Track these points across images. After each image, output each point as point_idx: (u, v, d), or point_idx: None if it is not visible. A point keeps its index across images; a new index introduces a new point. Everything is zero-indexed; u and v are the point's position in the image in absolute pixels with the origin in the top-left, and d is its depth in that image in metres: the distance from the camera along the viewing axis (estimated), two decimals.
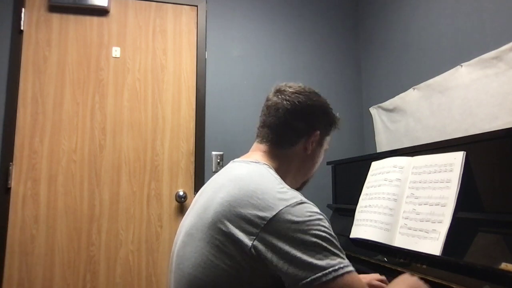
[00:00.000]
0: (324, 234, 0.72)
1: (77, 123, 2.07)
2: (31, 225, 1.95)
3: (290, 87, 0.95)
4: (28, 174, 1.98)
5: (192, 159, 2.20)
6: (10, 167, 1.95)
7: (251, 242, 0.72)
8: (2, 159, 1.94)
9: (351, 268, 0.72)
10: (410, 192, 1.23)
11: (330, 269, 0.69)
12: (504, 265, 0.87)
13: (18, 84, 2.01)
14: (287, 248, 0.70)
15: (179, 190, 2.14)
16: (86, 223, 2.02)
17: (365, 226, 1.35)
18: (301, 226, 0.71)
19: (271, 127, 0.93)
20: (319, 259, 0.69)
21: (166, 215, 2.12)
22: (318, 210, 0.76)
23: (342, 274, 0.69)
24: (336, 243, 0.74)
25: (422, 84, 1.88)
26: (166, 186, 2.14)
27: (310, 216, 0.73)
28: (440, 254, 1.02)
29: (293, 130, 0.93)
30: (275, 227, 0.72)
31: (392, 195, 1.29)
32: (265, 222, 0.72)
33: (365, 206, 1.41)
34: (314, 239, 0.71)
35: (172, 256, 0.90)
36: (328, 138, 1.01)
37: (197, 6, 2.31)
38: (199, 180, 2.15)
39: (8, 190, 1.94)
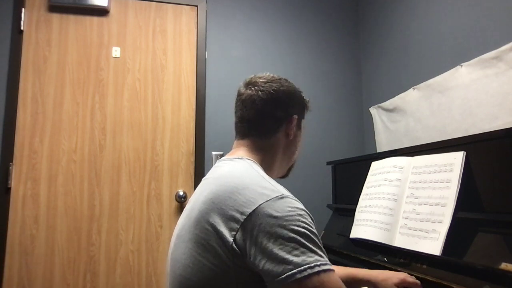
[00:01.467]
0: (303, 230, 0.71)
1: (77, 123, 2.07)
2: (31, 225, 1.95)
3: (260, 77, 0.96)
4: (28, 174, 1.98)
5: (192, 159, 2.20)
6: (10, 167, 1.95)
7: (232, 238, 0.72)
8: (2, 159, 1.94)
9: (328, 266, 0.69)
10: (410, 192, 1.23)
11: (306, 266, 0.67)
12: (504, 265, 0.87)
13: (18, 84, 2.01)
14: (265, 242, 0.69)
15: (179, 190, 2.15)
16: (86, 223, 2.02)
17: (365, 226, 1.35)
18: (280, 221, 0.70)
19: (250, 120, 0.93)
20: (295, 255, 0.68)
21: (166, 215, 2.12)
22: (300, 206, 0.75)
23: (318, 272, 0.67)
24: (317, 240, 0.72)
25: (422, 84, 1.88)
26: (166, 186, 2.14)
27: (290, 211, 0.72)
28: (440, 254, 1.02)
29: (273, 119, 0.93)
30: (254, 221, 0.71)
31: (392, 195, 1.29)
32: (245, 217, 0.72)
33: (365, 206, 1.41)
34: (292, 235, 0.69)
35: (167, 259, 0.91)
36: (303, 121, 1.02)
37: (197, 6, 2.31)
38: (199, 180, 2.13)
39: (8, 190, 1.94)
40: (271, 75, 0.97)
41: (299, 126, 0.99)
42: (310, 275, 0.67)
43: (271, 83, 0.94)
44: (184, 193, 2.13)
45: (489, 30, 1.54)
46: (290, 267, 0.67)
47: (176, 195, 2.13)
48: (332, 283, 0.68)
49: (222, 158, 0.95)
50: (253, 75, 0.98)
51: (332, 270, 0.70)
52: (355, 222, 1.44)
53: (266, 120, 0.93)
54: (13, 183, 1.96)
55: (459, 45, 1.70)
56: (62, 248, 1.97)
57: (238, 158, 0.90)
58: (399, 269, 1.14)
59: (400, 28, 2.13)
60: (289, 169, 1.05)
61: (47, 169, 2.01)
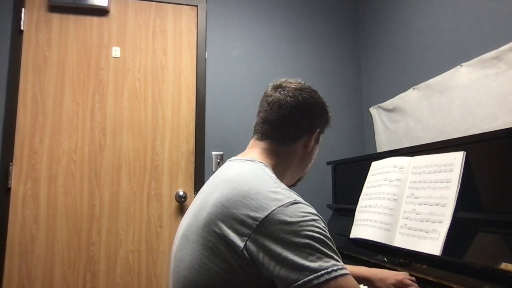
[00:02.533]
0: (318, 235, 0.70)
1: (77, 123, 2.07)
2: (31, 225, 1.95)
3: (291, 83, 0.94)
4: (28, 174, 1.98)
5: (192, 159, 2.20)
6: (10, 167, 1.95)
7: (243, 243, 0.71)
8: (2, 159, 1.94)
9: (345, 271, 0.69)
10: (410, 192, 1.23)
11: (323, 272, 0.66)
12: (504, 265, 0.87)
13: (18, 84, 2.01)
14: (278, 249, 0.68)
15: (179, 190, 2.14)
16: (86, 223, 2.02)
17: (365, 226, 1.35)
18: (294, 227, 0.69)
19: (273, 123, 0.91)
20: (312, 261, 0.67)
21: (166, 215, 2.12)
22: (313, 211, 0.74)
23: (336, 277, 0.66)
24: (332, 245, 0.71)
25: (422, 84, 1.88)
26: (166, 186, 2.14)
27: (303, 216, 0.71)
28: (440, 254, 1.02)
29: (296, 127, 0.92)
30: (267, 227, 0.70)
31: (392, 195, 1.29)
32: (257, 223, 0.71)
33: (365, 206, 1.41)
34: (307, 240, 0.69)
35: (170, 258, 0.90)
36: (322, 136, 1.01)
37: (197, 6, 2.31)
38: (199, 180, 2.15)
39: (8, 190, 1.94)
40: (302, 82, 0.96)
41: (317, 140, 0.97)
42: (327, 280, 0.66)
43: (301, 91, 0.92)
44: (184, 193, 2.13)
45: (489, 30, 1.54)
46: (307, 273, 0.66)
47: (176, 195, 2.13)
48: (350, 286, 0.68)
49: (233, 158, 0.93)
50: (283, 79, 0.96)
51: (349, 274, 0.69)
52: (355, 222, 1.44)
53: (290, 127, 0.91)
54: (13, 183, 1.96)
55: (459, 45, 1.70)
56: (62, 248, 1.97)
57: (250, 161, 0.88)
58: (399, 269, 1.14)
59: (400, 28, 2.13)
60: (298, 180, 1.03)
61: (47, 169, 2.01)
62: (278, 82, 0.96)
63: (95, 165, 2.07)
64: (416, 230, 1.14)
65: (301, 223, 0.70)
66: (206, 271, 0.73)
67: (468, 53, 1.62)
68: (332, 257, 0.69)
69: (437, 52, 1.84)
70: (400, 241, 1.18)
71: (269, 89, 0.95)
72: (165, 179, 2.15)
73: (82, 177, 2.04)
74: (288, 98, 0.91)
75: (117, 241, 2.04)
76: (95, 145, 2.08)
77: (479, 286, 0.90)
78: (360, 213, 1.42)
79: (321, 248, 0.69)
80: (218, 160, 2.22)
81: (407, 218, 1.19)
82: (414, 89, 1.94)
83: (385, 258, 1.24)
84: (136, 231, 2.07)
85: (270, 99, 0.93)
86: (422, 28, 1.95)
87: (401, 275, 1.06)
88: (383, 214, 1.28)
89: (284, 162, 0.92)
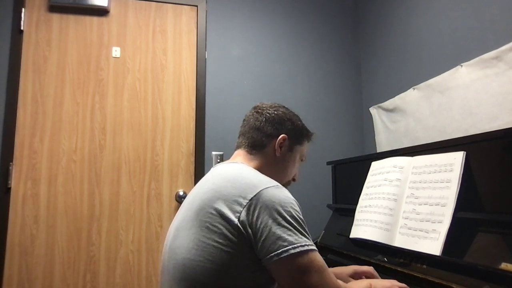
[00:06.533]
0: (296, 215, 0.85)
1: (77, 123, 2.07)
2: (31, 225, 1.95)
3: (264, 104, 1.11)
4: (28, 174, 1.98)
5: (192, 159, 2.20)
6: (10, 167, 1.95)
7: (237, 218, 0.82)
8: (2, 159, 1.94)
9: (314, 247, 0.83)
10: (410, 192, 1.23)
11: (298, 244, 0.80)
12: (504, 265, 0.87)
13: (18, 84, 2.01)
14: (265, 220, 0.81)
15: (179, 190, 2.15)
16: (86, 223, 2.02)
17: (365, 226, 1.35)
18: (278, 206, 0.83)
19: (245, 134, 1.09)
20: (289, 235, 0.81)
21: (166, 215, 2.12)
22: (291, 196, 0.88)
23: (307, 251, 0.81)
24: (305, 226, 0.86)
25: (422, 84, 1.88)
26: (166, 186, 2.14)
27: (285, 198, 0.85)
28: (440, 254, 1.02)
29: (262, 133, 1.06)
30: (256, 203, 0.83)
31: (392, 195, 1.29)
32: (248, 201, 0.83)
33: (365, 206, 1.41)
34: (289, 218, 0.83)
35: (164, 256, 0.98)
36: (300, 149, 1.11)
37: (197, 6, 2.31)
38: (199, 180, 2.15)
39: (8, 190, 1.94)
40: (275, 103, 1.12)
41: (290, 149, 1.08)
42: (301, 252, 0.80)
43: (269, 108, 1.09)
44: (184, 193, 2.13)
45: (489, 30, 1.54)
46: (285, 243, 0.80)
47: (176, 195, 2.13)
48: (318, 261, 0.83)
49: (217, 164, 1.08)
50: (261, 102, 1.13)
51: (317, 251, 0.84)
52: (355, 222, 1.44)
53: (256, 133, 1.06)
54: (13, 183, 1.96)
55: (459, 45, 1.70)
56: (62, 248, 1.97)
57: (234, 163, 1.02)
58: (399, 269, 1.14)
59: (400, 28, 2.13)
60: None
61: (47, 169, 2.01)
62: (255, 105, 1.12)
63: (95, 165, 2.07)
64: (416, 230, 1.14)
65: (283, 204, 0.84)
66: (205, 248, 0.83)
67: (468, 53, 1.62)
68: (305, 236, 0.84)
69: (437, 52, 1.84)
70: (400, 241, 1.18)
71: (249, 112, 1.13)
72: (165, 179, 2.15)
73: (82, 177, 2.04)
74: (255, 113, 1.09)
75: (117, 241, 2.04)
76: (95, 145, 2.08)
77: (479, 286, 0.90)
78: (360, 213, 1.42)
79: (297, 226, 0.83)
80: (218, 160, 2.22)
81: (407, 218, 1.19)
82: (414, 89, 1.94)
83: (385, 258, 1.24)
84: (136, 231, 2.07)
85: (245, 118, 1.12)
86: (422, 28, 1.95)
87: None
88: (383, 214, 1.28)
89: (259, 167, 1.04)
